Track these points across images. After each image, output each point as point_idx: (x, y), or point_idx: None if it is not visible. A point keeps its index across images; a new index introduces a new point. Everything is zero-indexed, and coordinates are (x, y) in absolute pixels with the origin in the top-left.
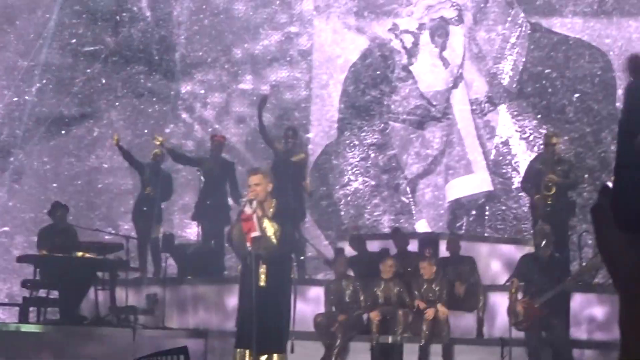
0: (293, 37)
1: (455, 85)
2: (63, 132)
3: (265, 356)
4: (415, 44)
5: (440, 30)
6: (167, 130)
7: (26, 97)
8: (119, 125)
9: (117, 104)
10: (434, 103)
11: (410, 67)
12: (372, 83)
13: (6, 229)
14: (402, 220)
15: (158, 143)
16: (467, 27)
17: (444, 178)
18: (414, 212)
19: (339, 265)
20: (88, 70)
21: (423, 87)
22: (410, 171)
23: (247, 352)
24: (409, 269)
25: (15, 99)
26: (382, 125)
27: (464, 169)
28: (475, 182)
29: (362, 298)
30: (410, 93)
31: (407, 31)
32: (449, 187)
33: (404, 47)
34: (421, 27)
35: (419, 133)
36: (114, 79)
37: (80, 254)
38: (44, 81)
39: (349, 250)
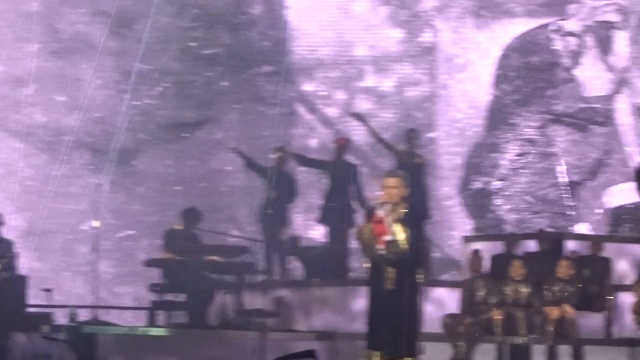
0: (414, 35)
1: (618, 90)
2: (185, 135)
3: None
4: (579, 46)
5: (604, 34)
6: (292, 132)
7: (147, 101)
8: (240, 128)
9: (237, 106)
10: (597, 107)
11: (574, 70)
12: (529, 83)
13: (131, 232)
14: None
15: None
16: (632, 31)
17: (604, 183)
18: (572, 214)
19: (473, 264)
20: (209, 74)
21: (585, 91)
22: (569, 173)
23: (379, 353)
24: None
25: (136, 102)
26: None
27: (624, 175)
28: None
29: (491, 299)
30: (571, 95)
31: (571, 33)
32: (609, 193)
33: (567, 49)
34: (585, 29)
35: (581, 135)
36: (234, 81)
37: (207, 257)
38: (165, 85)
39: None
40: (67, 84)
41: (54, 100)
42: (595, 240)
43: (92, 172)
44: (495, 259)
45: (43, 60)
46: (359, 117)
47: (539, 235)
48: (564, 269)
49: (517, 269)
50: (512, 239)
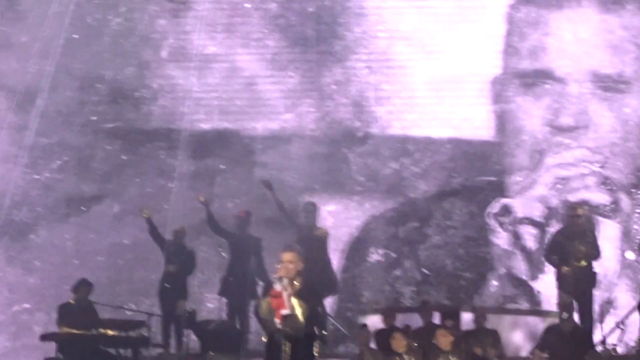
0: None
1: None
2: (84, 208)
3: None
4: None
5: None
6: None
7: (46, 175)
8: (140, 201)
9: (137, 180)
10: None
11: None
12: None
13: (27, 305)
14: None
15: (202, 200)
16: None
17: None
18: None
19: (362, 339)
20: (108, 147)
21: None
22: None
23: None
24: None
25: (36, 176)
26: None
27: None
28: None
29: None
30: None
31: None
32: None
33: None
34: None
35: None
36: (134, 155)
37: (103, 331)
38: (65, 159)
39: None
40: None
41: None
42: (480, 312)
43: None
44: (379, 333)
45: None
46: (267, 185)
47: (420, 307)
48: (443, 339)
49: (398, 342)
50: (392, 312)
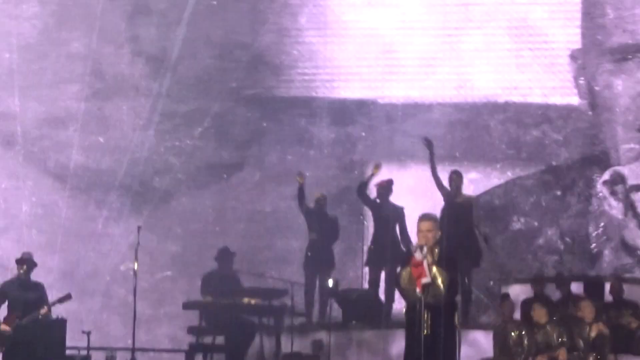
0: None
1: None
2: (224, 176)
3: None
4: None
5: None
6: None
7: (187, 142)
8: (280, 169)
9: (277, 147)
10: None
11: None
12: None
13: (169, 273)
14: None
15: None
16: None
17: None
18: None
19: (505, 309)
20: (248, 114)
21: None
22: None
23: None
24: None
25: (176, 143)
26: None
27: None
28: None
29: (525, 343)
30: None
31: None
32: None
33: None
34: None
35: None
36: (274, 122)
37: (245, 299)
38: (205, 126)
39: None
40: (107, 125)
41: (94, 141)
42: (614, 283)
43: (131, 213)
44: (524, 303)
45: (84, 101)
46: (428, 144)
47: (560, 278)
48: (587, 310)
49: (539, 313)
50: (538, 282)
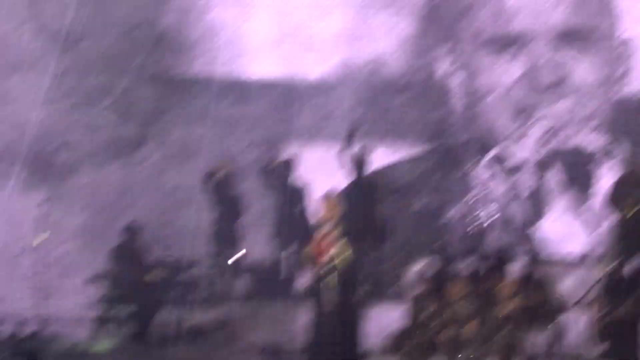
0: None
1: None
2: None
3: None
4: None
5: None
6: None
7: (90, 118)
8: (183, 146)
9: (180, 125)
10: None
11: None
12: None
13: (75, 245)
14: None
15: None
16: None
17: None
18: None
19: (417, 281)
20: (151, 92)
21: None
22: None
23: None
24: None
25: (80, 118)
26: None
27: None
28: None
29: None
30: None
31: None
32: None
33: None
34: None
35: None
36: (178, 100)
37: (152, 273)
38: (108, 102)
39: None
40: (8, 100)
41: None
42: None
43: (35, 187)
44: (436, 276)
45: None
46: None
47: (478, 254)
48: (505, 289)
49: (456, 288)
50: (451, 257)
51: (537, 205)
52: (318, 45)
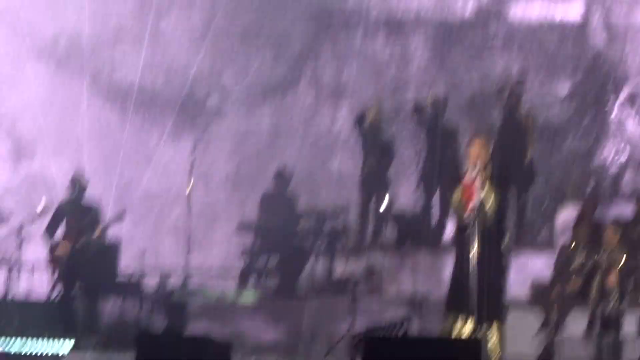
0: None
1: None
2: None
3: (484, 325)
4: None
5: None
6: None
7: (242, 59)
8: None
9: (334, 64)
10: None
11: None
12: None
13: (223, 195)
14: None
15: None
16: None
17: None
18: None
19: (578, 230)
20: (304, 31)
21: None
22: None
23: (462, 317)
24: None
25: (231, 60)
26: None
27: None
28: None
29: (583, 266)
30: None
31: None
32: None
33: None
34: None
35: None
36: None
37: (300, 221)
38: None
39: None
40: (160, 42)
41: (148, 60)
42: None
43: (185, 133)
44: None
45: (138, 18)
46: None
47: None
48: (612, 236)
49: (610, 235)
50: (592, 203)
51: None
52: None
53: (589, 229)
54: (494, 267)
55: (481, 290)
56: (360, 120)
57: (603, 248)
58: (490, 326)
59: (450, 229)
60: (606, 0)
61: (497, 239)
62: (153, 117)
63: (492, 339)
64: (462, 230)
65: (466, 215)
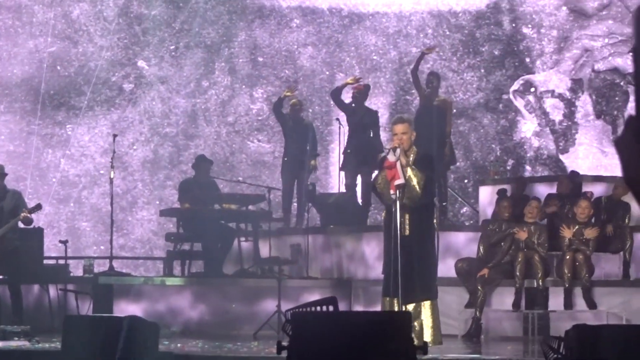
0: None
1: None
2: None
3: (413, 305)
4: None
5: None
6: None
7: None
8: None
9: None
10: None
11: None
12: None
13: (146, 182)
14: None
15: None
16: None
17: None
18: None
19: (500, 207)
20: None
21: None
22: None
23: (395, 300)
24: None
25: None
26: None
27: None
28: None
29: (504, 243)
30: None
31: None
32: None
33: None
34: None
35: None
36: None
37: (223, 205)
38: None
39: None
40: None
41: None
42: (618, 184)
43: (99, 118)
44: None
45: None
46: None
47: (556, 177)
48: (583, 210)
49: (533, 211)
50: (524, 181)
51: None
52: None
53: (512, 205)
54: (423, 247)
55: (410, 270)
56: (278, 105)
57: (526, 224)
58: (419, 304)
59: (375, 210)
60: None
61: (425, 218)
62: (60, 102)
63: (422, 316)
64: (389, 211)
65: (392, 195)
